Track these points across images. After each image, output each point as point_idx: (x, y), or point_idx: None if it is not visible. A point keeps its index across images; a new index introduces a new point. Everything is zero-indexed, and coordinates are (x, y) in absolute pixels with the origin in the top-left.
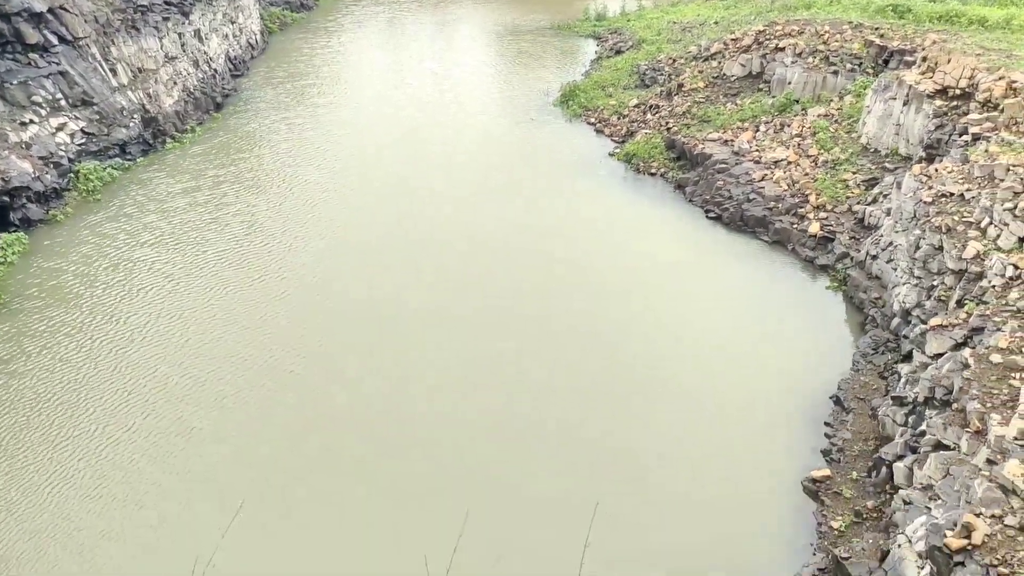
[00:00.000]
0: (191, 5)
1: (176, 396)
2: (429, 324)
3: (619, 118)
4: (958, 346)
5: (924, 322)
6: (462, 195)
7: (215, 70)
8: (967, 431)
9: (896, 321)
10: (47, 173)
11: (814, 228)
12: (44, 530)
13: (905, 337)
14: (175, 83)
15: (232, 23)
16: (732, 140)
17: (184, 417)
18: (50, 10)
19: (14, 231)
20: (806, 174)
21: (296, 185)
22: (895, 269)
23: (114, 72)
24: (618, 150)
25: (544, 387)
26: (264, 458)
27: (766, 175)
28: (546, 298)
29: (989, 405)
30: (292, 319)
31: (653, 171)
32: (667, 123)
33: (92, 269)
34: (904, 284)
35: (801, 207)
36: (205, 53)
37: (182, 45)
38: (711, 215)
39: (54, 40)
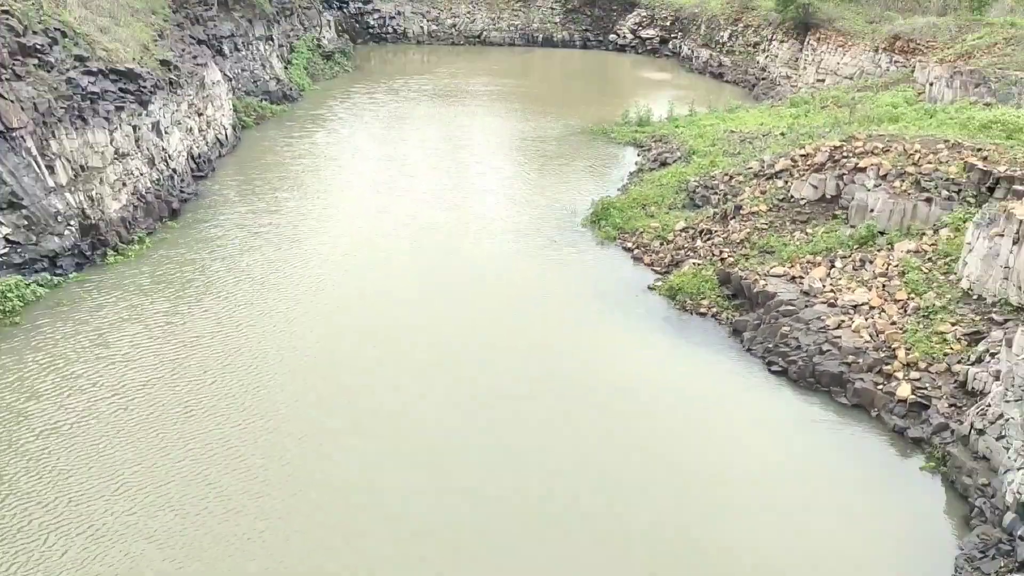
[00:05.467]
0: (151, 93)
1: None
2: (435, 480)
3: (662, 244)
4: None
5: None
6: (464, 337)
7: (174, 170)
8: None
9: (1010, 517)
10: None
11: (904, 391)
12: None
13: (1021, 539)
14: (124, 184)
15: (199, 115)
16: (801, 277)
17: None
18: None
19: None
20: (893, 323)
21: (261, 318)
22: (1007, 449)
23: (51, 169)
24: (660, 283)
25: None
26: None
27: (843, 322)
28: (571, 470)
29: None
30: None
31: (703, 311)
32: (721, 252)
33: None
34: (1019, 470)
35: (887, 364)
36: (164, 150)
37: (136, 140)
38: (774, 368)
39: None
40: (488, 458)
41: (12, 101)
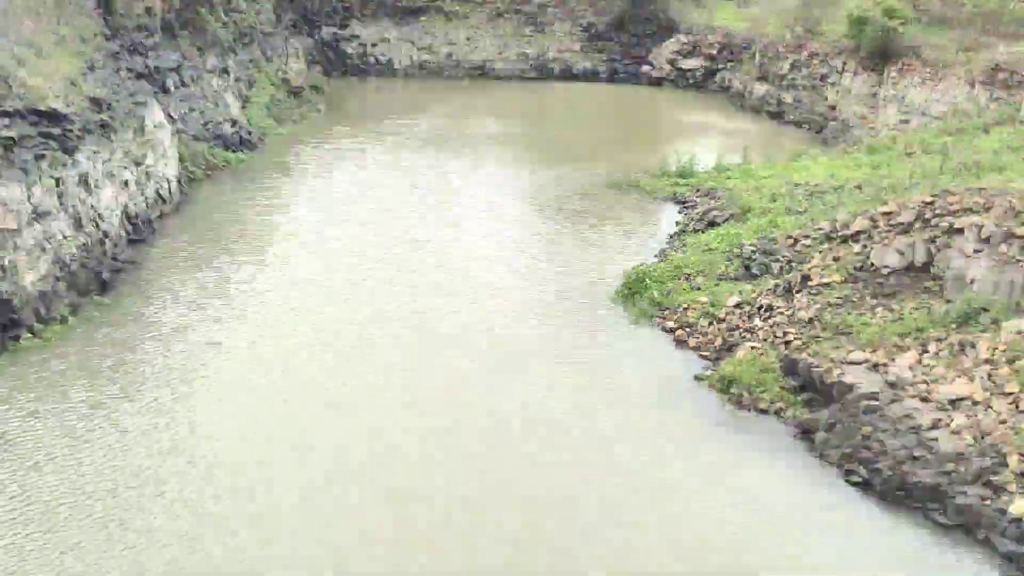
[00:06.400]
0: (79, 139)
1: None
2: None
3: (711, 324)
4: None
5: None
6: (470, 446)
7: (105, 233)
8: None
9: None
10: None
11: (1018, 508)
12: None
13: None
14: (43, 250)
15: (136, 165)
16: (885, 365)
17: None
18: None
19: None
20: (1003, 422)
21: (200, 420)
22: None
23: None
24: (710, 372)
25: None
26: None
27: (939, 420)
28: None
29: None
30: None
31: (763, 406)
32: (785, 334)
33: None
34: None
35: (996, 473)
36: (93, 208)
37: (60, 196)
38: (855, 479)
39: None
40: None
41: None
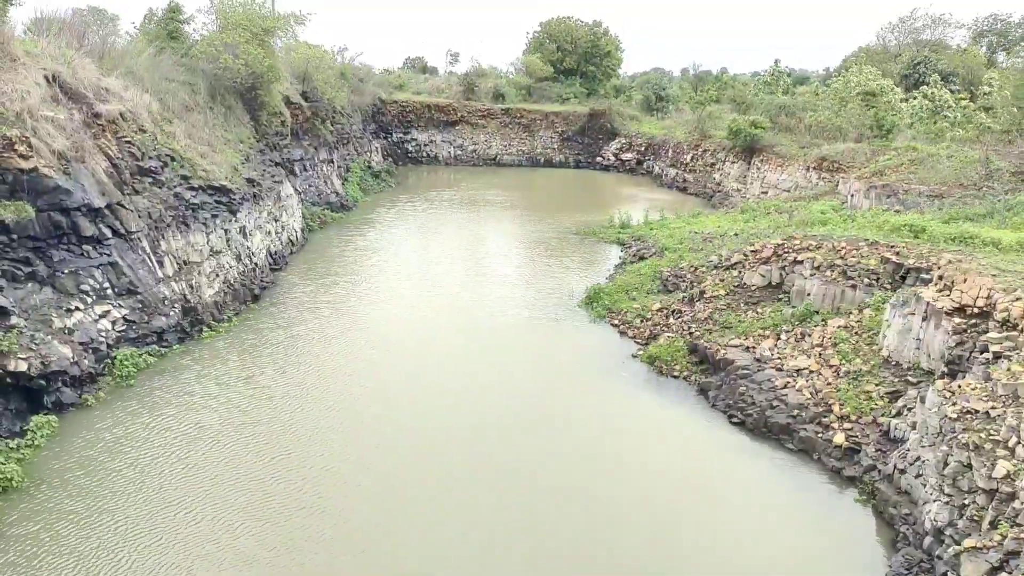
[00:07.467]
0: (239, 204)
1: None
2: (435, 520)
3: (642, 321)
4: (994, 570)
5: (957, 543)
6: (480, 393)
7: (256, 264)
8: None
9: (928, 540)
10: (85, 358)
11: (839, 439)
12: None
13: (939, 558)
14: (217, 275)
15: (276, 221)
16: (754, 347)
17: None
18: (108, 206)
19: (45, 414)
20: (828, 383)
21: (320, 379)
22: (924, 485)
23: (161, 264)
24: (641, 352)
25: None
26: None
27: (788, 383)
28: (562, 499)
29: None
30: (306, 525)
31: (676, 374)
32: (690, 328)
33: (115, 459)
34: (935, 501)
35: (825, 416)
36: (248, 248)
37: (227, 240)
38: (734, 420)
39: (108, 233)
40: (497, 467)
41: (132, 211)
